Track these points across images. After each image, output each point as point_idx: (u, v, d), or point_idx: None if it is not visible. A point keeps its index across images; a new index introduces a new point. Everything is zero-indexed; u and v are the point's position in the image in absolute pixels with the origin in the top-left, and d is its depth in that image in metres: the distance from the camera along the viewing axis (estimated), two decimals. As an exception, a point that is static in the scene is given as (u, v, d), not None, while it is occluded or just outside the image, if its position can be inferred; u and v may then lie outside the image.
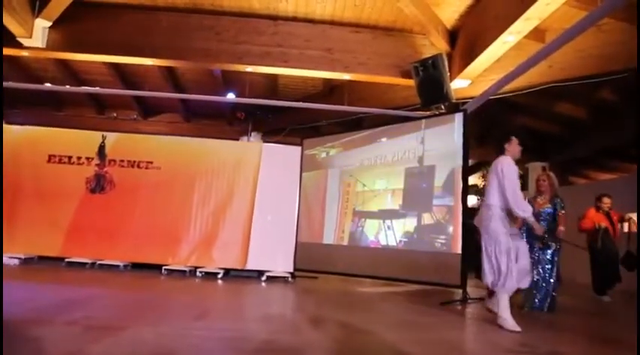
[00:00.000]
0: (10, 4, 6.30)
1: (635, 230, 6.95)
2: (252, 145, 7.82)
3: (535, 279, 5.04)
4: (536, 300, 5.12)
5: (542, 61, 5.41)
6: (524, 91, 7.10)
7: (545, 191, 5.34)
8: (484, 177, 6.98)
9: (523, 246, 4.06)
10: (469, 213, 5.65)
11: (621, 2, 4.07)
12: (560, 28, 5.63)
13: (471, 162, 8.20)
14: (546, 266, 5.18)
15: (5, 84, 8.19)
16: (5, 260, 6.67)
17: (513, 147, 4.16)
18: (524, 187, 9.78)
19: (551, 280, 5.13)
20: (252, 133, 8.41)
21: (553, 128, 10.45)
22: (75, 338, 2.77)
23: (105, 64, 8.97)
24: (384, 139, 6.95)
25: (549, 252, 5.19)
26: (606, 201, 6.77)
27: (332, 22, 7.29)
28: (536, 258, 5.14)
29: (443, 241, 5.90)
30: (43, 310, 3.57)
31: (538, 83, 6.90)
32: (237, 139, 8.16)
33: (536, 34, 6.03)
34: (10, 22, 6.45)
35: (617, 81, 6.65)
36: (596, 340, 3.89)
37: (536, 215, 5.05)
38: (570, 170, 11.96)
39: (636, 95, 6.44)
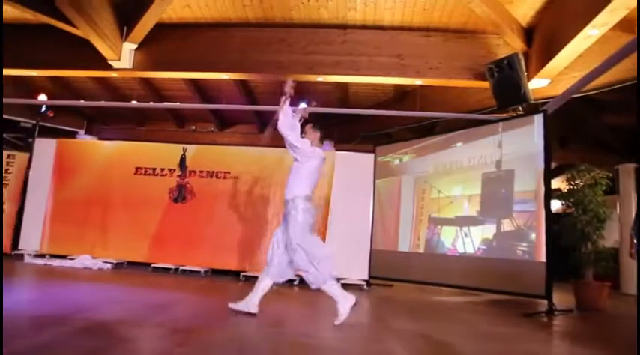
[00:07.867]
0: (103, 31, 6.89)
1: None
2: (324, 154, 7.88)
3: None
4: None
5: (631, 55, 5.03)
6: (611, 88, 6.61)
7: None
8: (568, 180, 6.58)
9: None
10: (554, 219, 5.36)
11: None
12: (652, 17, 5.21)
13: (553, 165, 7.75)
14: None
15: (98, 103, 8.93)
16: (100, 264, 7.20)
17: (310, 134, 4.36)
18: (614, 191, 9.08)
19: None
20: (325, 142, 8.48)
21: (645, 126, 9.63)
22: (163, 339, 2.93)
23: (184, 80, 9.49)
24: (458, 144, 6.77)
25: None
26: None
27: (402, 28, 7.23)
28: None
29: (525, 249, 5.63)
30: (135, 311, 3.81)
31: (626, 78, 6.39)
32: (310, 148, 8.26)
33: (624, 24, 5.55)
34: (102, 47, 7.06)
35: None
36: None
37: None
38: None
39: None
